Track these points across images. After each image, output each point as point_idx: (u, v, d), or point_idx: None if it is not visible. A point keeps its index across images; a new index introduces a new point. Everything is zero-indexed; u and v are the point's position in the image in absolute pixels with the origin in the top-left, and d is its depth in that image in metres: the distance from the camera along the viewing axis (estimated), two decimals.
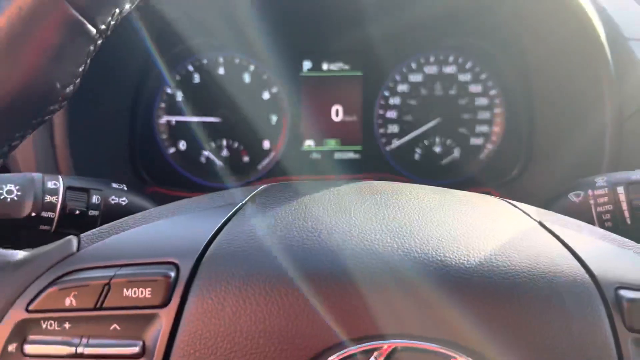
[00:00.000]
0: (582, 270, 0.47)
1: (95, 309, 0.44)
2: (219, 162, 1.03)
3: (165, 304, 0.44)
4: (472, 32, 1.04)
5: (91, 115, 0.87)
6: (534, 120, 1.04)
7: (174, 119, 1.02)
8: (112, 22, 0.45)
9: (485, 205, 0.55)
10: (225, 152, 1.03)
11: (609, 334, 0.44)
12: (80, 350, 0.43)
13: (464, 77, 1.06)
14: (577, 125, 0.97)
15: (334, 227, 0.48)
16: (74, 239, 0.48)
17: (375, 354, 0.43)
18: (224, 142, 1.03)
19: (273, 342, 0.43)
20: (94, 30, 0.44)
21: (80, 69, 0.45)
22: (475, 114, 1.06)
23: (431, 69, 1.05)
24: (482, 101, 1.07)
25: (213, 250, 0.46)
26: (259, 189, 0.56)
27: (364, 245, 0.46)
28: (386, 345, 0.43)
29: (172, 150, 1.02)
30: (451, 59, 1.06)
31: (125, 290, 0.44)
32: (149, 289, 0.44)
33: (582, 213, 0.70)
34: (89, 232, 0.49)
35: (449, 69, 1.06)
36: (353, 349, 0.43)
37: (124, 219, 0.51)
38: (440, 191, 0.56)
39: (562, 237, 0.51)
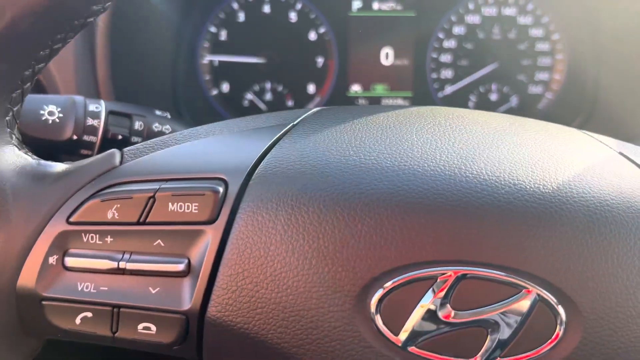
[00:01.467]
0: None
1: (138, 223, 0.42)
2: (262, 106, 1.00)
3: (212, 220, 0.41)
4: None
5: (133, 50, 0.84)
6: (599, 68, 0.97)
7: (217, 58, 0.98)
8: None
9: (559, 133, 0.50)
10: (269, 96, 1.00)
11: None
12: (122, 265, 0.41)
13: (525, 20, 0.99)
14: None
15: (395, 147, 0.44)
16: (116, 152, 0.45)
17: (439, 280, 0.39)
18: (268, 85, 0.99)
19: (327, 263, 0.39)
20: None
21: None
22: (535, 60, 1.00)
23: (490, 10, 0.98)
24: (543, 46, 0.99)
25: (264, 167, 0.43)
26: (311, 111, 0.52)
27: (428, 165, 0.42)
28: (451, 271, 0.39)
29: (215, 91, 0.99)
30: None
31: (170, 204, 0.41)
32: (196, 204, 0.41)
33: None
34: (132, 147, 0.46)
35: (509, 11, 0.99)
36: (414, 274, 0.39)
37: (168, 135, 0.48)
38: (509, 117, 0.51)
39: None
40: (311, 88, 1.00)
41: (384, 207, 0.40)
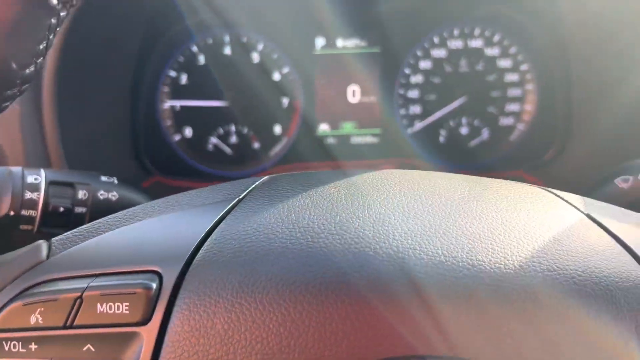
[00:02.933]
0: None
1: (65, 327, 0.38)
2: (227, 150, 0.96)
3: (145, 321, 0.37)
4: (499, 1, 0.95)
5: (85, 102, 0.81)
6: (570, 97, 0.95)
7: (178, 103, 0.95)
8: None
9: (523, 196, 0.47)
10: (234, 139, 0.97)
11: None
12: None
13: (492, 52, 0.97)
14: (620, 100, 0.88)
15: (345, 227, 0.41)
16: (43, 245, 0.41)
17: None
18: (233, 128, 0.96)
19: None
20: (54, 0, 0.37)
21: (42, 46, 0.38)
22: (505, 92, 0.98)
23: (455, 44, 0.96)
24: (512, 77, 0.98)
25: (203, 255, 0.39)
26: (259, 181, 0.49)
27: (380, 248, 0.39)
28: None
29: (177, 137, 0.96)
30: (477, 31, 0.97)
31: (99, 305, 0.37)
32: (127, 303, 0.37)
33: (632, 202, 0.61)
34: (61, 236, 0.42)
35: (475, 43, 0.97)
36: None
37: (103, 219, 0.44)
38: (469, 181, 0.49)
39: (616, 232, 0.43)
40: (277, 129, 0.97)
41: (333, 300, 0.36)
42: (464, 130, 0.98)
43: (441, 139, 0.98)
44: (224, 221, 0.42)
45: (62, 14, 0.38)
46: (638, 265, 0.40)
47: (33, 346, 0.38)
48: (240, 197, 0.46)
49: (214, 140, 0.96)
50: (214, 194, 0.47)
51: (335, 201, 0.44)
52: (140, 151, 0.93)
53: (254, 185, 0.48)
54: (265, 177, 0.50)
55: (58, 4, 0.37)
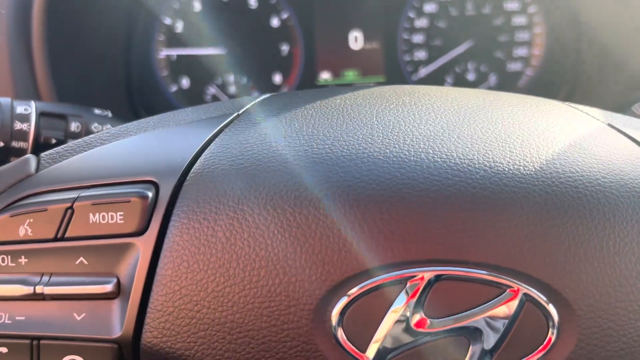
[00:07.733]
0: None
1: (56, 239, 0.35)
2: (226, 100, 0.93)
3: (142, 230, 0.35)
4: None
5: (78, 47, 0.78)
6: (580, 40, 0.92)
7: (174, 52, 0.92)
8: None
9: (540, 106, 0.44)
10: (232, 89, 0.94)
11: None
12: (39, 289, 0.35)
13: None
14: (633, 41, 0.85)
15: (352, 133, 0.38)
16: (32, 159, 0.39)
17: (409, 284, 0.33)
18: (231, 78, 0.93)
19: (278, 273, 0.34)
20: None
21: None
22: (513, 36, 0.94)
23: None
24: (520, 20, 0.94)
25: (201, 165, 0.37)
26: (260, 98, 0.46)
27: (390, 152, 0.36)
28: (423, 273, 0.33)
29: (174, 88, 0.93)
30: None
31: (91, 215, 0.35)
32: (121, 213, 0.35)
33: None
34: (51, 151, 0.40)
35: None
36: (380, 279, 0.33)
37: (95, 134, 0.42)
38: (483, 92, 0.46)
39: (638, 138, 0.40)
40: (277, 78, 0.94)
41: (342, 204, 0.34)
42: (470, 77, 0.95)
43: (446, 85, 0.95)
44: (222, 133, 0.40)
45: None
46: None
47: (23, 260, 0.36)
48: (240, 112, 0.43)
49: (212, 90, 0.93)
50: (211, 110, 0.44)
51: (341, 111, 0.41)
52: (136, 102, 0.90)
53: (254, 102, 0.45)
54: (267, 95, 0.47)
55: None
